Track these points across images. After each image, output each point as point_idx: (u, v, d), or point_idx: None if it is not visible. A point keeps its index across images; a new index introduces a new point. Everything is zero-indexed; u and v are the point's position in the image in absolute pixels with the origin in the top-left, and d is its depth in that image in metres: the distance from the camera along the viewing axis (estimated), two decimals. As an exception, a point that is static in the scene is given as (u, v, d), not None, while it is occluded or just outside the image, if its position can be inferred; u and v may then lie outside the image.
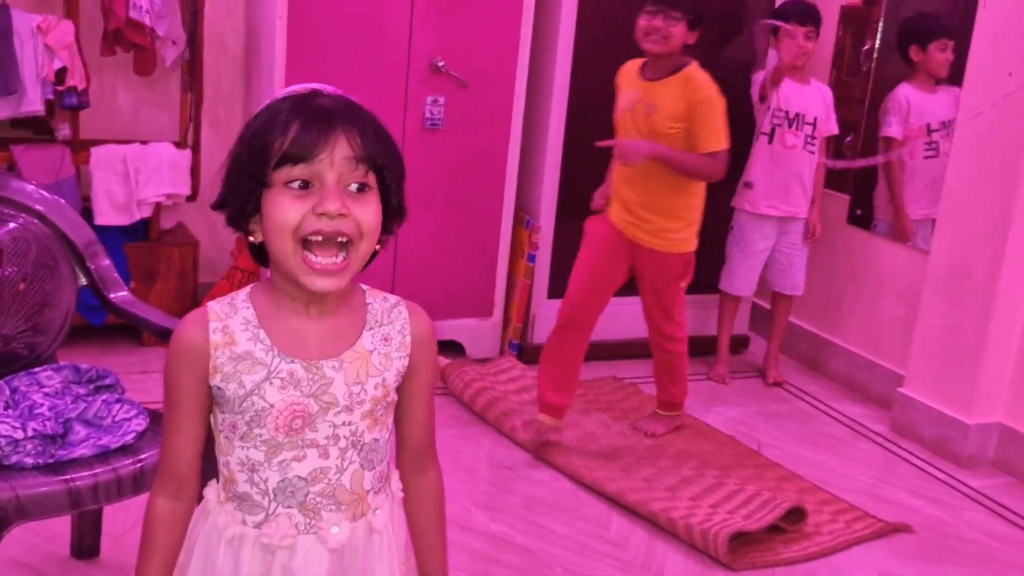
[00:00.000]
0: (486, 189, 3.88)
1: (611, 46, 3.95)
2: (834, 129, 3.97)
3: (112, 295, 2.41)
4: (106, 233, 3.51)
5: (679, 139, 3.04)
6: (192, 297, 3.88)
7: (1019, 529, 3.19)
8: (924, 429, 3.66)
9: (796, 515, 2.97)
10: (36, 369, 2.26)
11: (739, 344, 4.44)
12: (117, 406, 2.19)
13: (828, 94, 3.95)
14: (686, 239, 3.21)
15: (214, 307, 1.27)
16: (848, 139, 4.15)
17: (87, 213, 3.61)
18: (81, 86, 3.53)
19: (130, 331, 3.76)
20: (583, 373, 4.00)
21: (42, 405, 2.13)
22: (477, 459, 3.34)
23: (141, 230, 3.83)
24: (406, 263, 3.82)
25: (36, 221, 2.38)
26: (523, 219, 4.02)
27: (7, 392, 2.18)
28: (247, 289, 1.30)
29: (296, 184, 1.19)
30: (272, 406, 1.25)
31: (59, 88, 3.50)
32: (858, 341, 4.15)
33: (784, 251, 4.02)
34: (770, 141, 3.89)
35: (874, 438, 3.75)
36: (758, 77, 3.93)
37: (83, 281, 2.40)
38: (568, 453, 3.30)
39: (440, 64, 3.65)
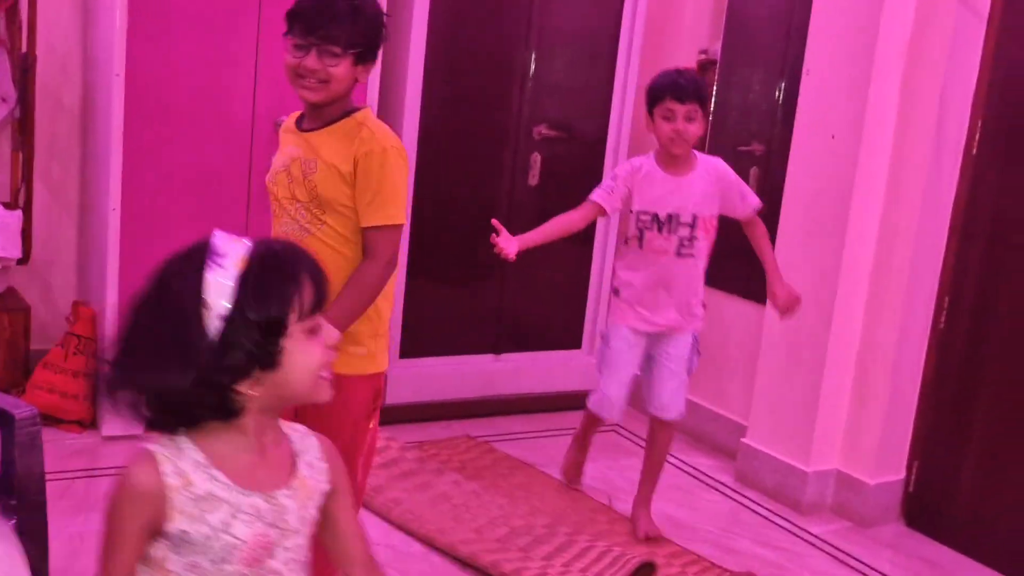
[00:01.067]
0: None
1: (458, 106, 4.00)
2: (753, 204, 3.27)
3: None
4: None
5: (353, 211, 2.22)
6: (24, 366, 3.69)
7: (857, 573, 3.32)
8: (766, 477, 3.78)
9: (647, 569, 3.00)
10: None
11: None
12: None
13: (723, 172, 3.25)
14: (372, 355, 2.30)
15: (159, 451, 1.29)
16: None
17: (-94, 278, 3.40)
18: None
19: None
20: (436, 433, 3.99)
21: None
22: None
23: (-33, 295, 3.63)
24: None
25: None
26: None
27: None
28: (185, 435, 1.32)
29: (313, 332, 1.35)
30: (244, 542, 1.31)
31: None
32: (704, 393, 4.26)
33: (660, 365, 3.36)
34: (640, 245, 3.22)
35: (720, 488, 3.85)
36: (621, 170, 3.30)
37: None
38: (420, 516, 3.26)
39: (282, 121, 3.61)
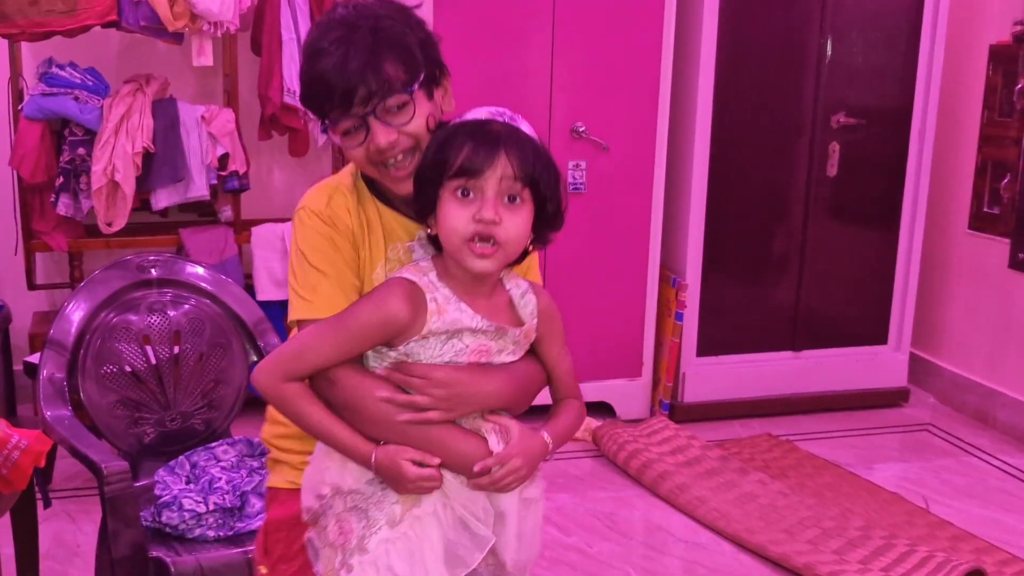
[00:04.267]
0: (631, 249, 3.89)
1: (751, 97, 3.95)
2: None
3: (280, 370, 2.51)
4: (268, 307, 3.65)
5: None
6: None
7: None
8: (1108, 483, 3.45)
9: (974, 577, 2.83)
10: (213, 444, 2.37)
11: (899, 397, 4.29)
12: (289, 478, 2.26)
13: None
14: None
15: (421, 281, 1.49)
16: (1005, 181, 4.00)
17: (249, 290, 3.77)
18: (242, 170, 3.73)
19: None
20: (737, 432, 3.95)
21: (220, 479, 2.23)
22: (632, 522, 3.31)
23: (299, 303, 3.97)
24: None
25: (208, 302, 2.52)
26: (669, 278, 4.01)
27: (187, 467, 2.29)
28: (433, 271, 1.51)
29: (460, 192, 1.46)
30: (467, 347, 1.50)
31: (222, 173, 3.70)
32: (1028, 390, 3.96)
33: None
34: None
35: (1052, 493, 3.56)
36: None
37: (253, 357, 2.52)
38: (727, 515, 3.24)
39: (581, 129, 3.71)
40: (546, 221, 1.52)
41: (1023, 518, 3.37)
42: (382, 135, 1.50)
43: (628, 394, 4.00)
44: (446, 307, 1.48)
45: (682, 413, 4.02)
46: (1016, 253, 3.98)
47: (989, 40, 4.06)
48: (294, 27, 3.76)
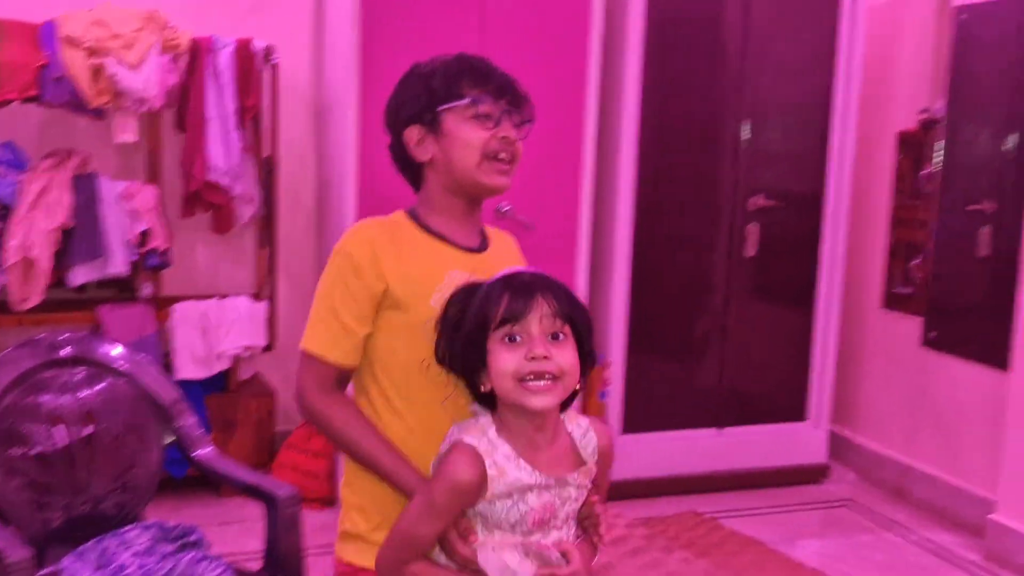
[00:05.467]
0: (555, 327, 3.91)
1: (672, 179, 4.04)
2: None
3: (196, 452, 2.46)
4: (187, 386, 3.59)
5: None
6: (269, 446, 3.93)
7: None
8: (1022, 556, 3.52)
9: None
10: (124, 528, 2.30)
11: (819, 474, 4.35)
12: (203, 564, 2.20)
13: None
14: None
15: (480, 446, 1.55)
16: (916, 261, 4.14)
17: (168, 368, 3.71)
18: (163, 247, 3.69)
19: (209, 482, 3.80)
20: (661, 509, 3.96)
21: (131, 566, 2.16)
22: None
23: (220, 381, 3.92)
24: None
25: (123, 381, 2.46)
26: (593, 355, 4.03)
27: (96, 553, 2.21)
28: (492, 427, 1.58)
29: (507, 339, 1.55)
30: (533, 509, 1.57)
31: (142, 250, 3.65)
32: (941, 465, 4.04)
33: None
34: None
35: (967, 567, 3.61)
36: None
37: (168, 439, 2.46)
38: (651, 594, 3.22)
39: (506, 208, 3.75)
40: (584, 359, 1.60)
41: (941, 594, 3.41)
42: (511, 129, 1.71)
43: (553, 472, 3.98)
44: (506, 467, 1.56)
45: (610, 491, 4.01)
46: (928, 331, 4.10)
47: (897, 127, 4.23)
48: (219, 105, 3.77)
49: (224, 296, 3.88)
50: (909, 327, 4.17)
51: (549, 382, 1.54)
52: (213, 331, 3.77)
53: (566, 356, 1.56)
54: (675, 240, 4.07)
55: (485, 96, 1.69)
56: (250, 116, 3.83)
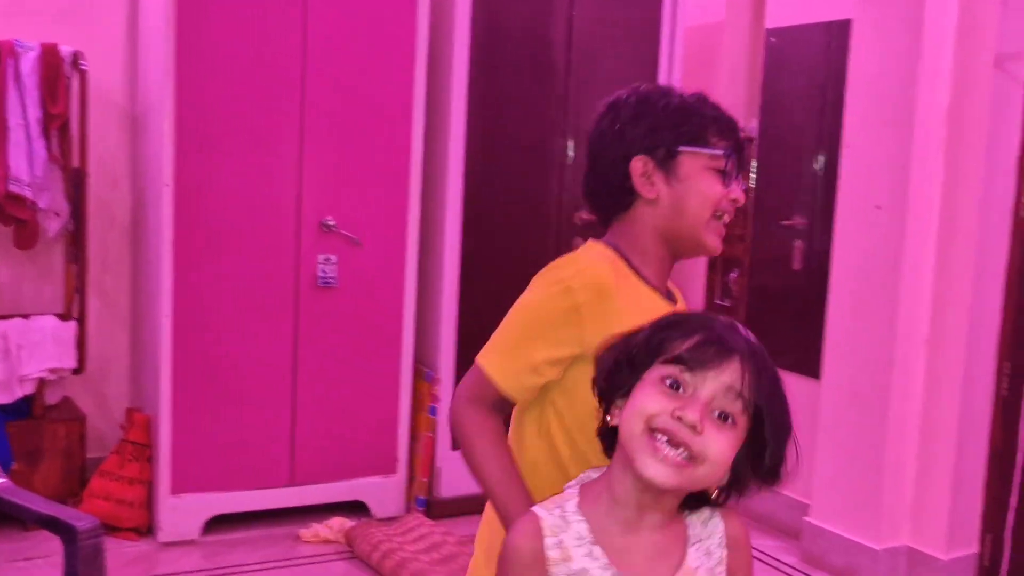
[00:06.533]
0: (383, 344, 3.85)
1: (499, 194, 4.05)
2: None
3: (-10, 484, 2.28)
4: (-14, 414, 3.36)
5: None
6: (80, 475, 3.70)
7: (936, 654, 3.19)
8: (834, 557, 3.67)
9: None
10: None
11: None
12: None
13: None
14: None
15: (547, 520, 1.26)
16: (734, 275, 4.28)
17: (-35, 394, 3.45)
18: (-42, 263, 3.43)
19: (13, 516, 3.55)
20: (492, 525, 3.94)
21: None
22: (388, 626, 3.21)
23: (24, 408, 3.67)
24: (305, 424, 3.73)
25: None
26: (423, 372, 3.99)
27: None
28: (575, 498, 1.29)
29: (670, 382, 1.22)
30: None
31: (-66, 267, 3.39)
32: (762, 472, 4.18)
33: None
34: None
35: (786, 570, 3.74)
36: None
37: (-42, 470, 2.27)
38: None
39: (331, 223, 3.67)
40: (756, 466, 1.26)
41: (761, 597, 3.52)
42: (740, 192, 1.60)
43: (383, 491, 3.92)
44: (573, 552, 1.24)
45: (439, 508, 3.97)
46: (746, 343, 4.24)
47: (716, 145, 4.38)
48: (22, 113, 3.54)
49: (28, 316, 3.64)
50: (729, 339, 4.30)
51: (682, 458, 1.19)
52: (15, 353, 3.53)
53: (720, 444, 1.20)
54: (504, 255, 4.08)
55: (732, 153, 1.57)
56: (56, 125, 3.62)
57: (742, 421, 1.23)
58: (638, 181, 1.57)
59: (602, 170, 1.61)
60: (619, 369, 1.27)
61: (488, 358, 1.57)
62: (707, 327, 1.25)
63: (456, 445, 1.58)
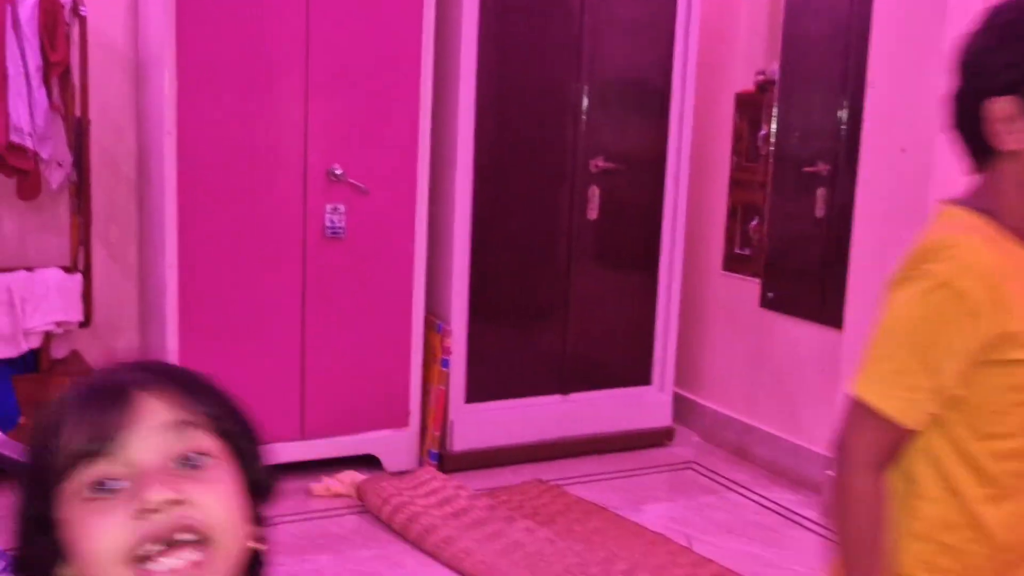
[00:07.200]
0: (394, 296, 3.77)
1: (511, 142, 3.94)
2: None
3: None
4: (-10, 367, 3.31)
5: None
6: (89, 428, 3.66)
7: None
8: (855, 511, 3.59)
9: (733, 614, 2.84)
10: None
11: (664, 437, 4.36)
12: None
13: None
14: None
15: None
16: (754, 223, 4.16)
17: (-30, 347, 3.40)
18: (-41, 215, 3.37)
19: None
20: (507, 479, 3.89)
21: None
22: (399, 580, 3.17)
23: (31, 361, 3.62)
24: (315, 377, 3.67)
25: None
26: (434, 324, 3.91)
27: None
28: None
29: (94, 489, 0.81)
30: None
31: (-65, 218, 3.33)
32: (780, 425, 4.10)
33: None
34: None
35: (807, 524, 3.67)
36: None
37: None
38: (493, 566, 3.14)
39: (338, 172, 3.58)
40: (255, 493, 0.88)
41: (780, 552, 3.45)
42: None
43: (395, 445, 3.86)
44: None
45: (451, 462, 3.92)
46: (766, 292, 4.14)
47: (735, 88, 4.24)
48: (22, 61, 3.46)
49: (32, 268, 3.59)
50: (749, 289, 4.20)
51: (192, 550, 0.80)
52: (20, 306, 3.48)
53: (214, 493, 0.83)
54: (517, 204, 3.98)
55: None
56: (57, 73, 3.53)
57: (215, 448, 0.85)
58: (997, 126, 1.26)
59: (958, 110, 1.33)
60: (24, 530, 0.85)
61: (873, 392, 1.30)
62: (80, 392, 0.86)
63: (829, 512, 1.36)
